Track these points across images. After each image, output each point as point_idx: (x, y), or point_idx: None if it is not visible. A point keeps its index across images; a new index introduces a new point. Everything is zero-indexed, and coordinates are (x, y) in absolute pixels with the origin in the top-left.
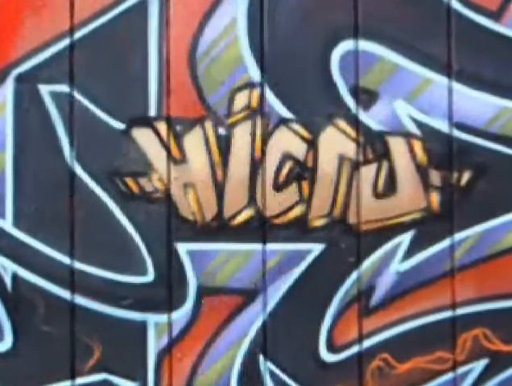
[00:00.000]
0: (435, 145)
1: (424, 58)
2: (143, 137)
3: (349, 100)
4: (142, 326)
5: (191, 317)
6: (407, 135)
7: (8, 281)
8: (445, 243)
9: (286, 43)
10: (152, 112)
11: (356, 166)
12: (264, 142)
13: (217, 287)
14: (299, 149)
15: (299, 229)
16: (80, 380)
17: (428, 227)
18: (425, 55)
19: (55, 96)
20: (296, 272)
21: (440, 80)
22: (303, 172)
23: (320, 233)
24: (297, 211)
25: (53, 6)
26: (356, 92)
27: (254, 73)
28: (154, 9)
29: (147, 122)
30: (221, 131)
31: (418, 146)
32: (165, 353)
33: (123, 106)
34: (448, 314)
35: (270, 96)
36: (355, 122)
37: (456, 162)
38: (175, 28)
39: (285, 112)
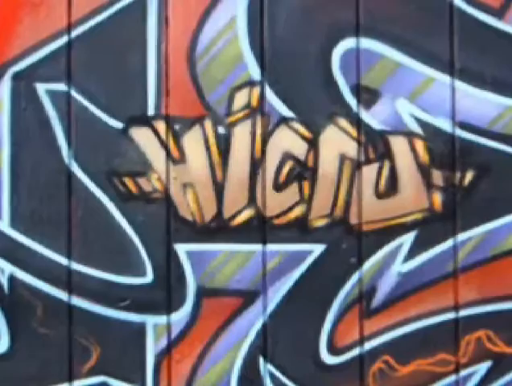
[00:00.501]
0: (437, 145)
1: (426, 56)
2: (142, 136)
3: (351, 99)
4: (140, 328)
5: (190, 318)
6: (409, 134)
7: (5, 282)
8: (448, 243)
9: (286, 41)
10: (151, 111)
11: (357, 165)
12: (264, 142)
13: (217, 288)
14: (299, 148)
15: (300, 230)
16: (77, 383)
17: (431, 228)
18: (427, 53)
19: (53, 94)
20: (297, 273)
21: (443, 78)
22: (303, 172)
23: (320, 234)
24: (297, 211)
25: (50, 3)
26: (357, 90)
27: (254, 71)
28: (153, 6)
29: (146, 121)
30: (221, 130)
31: (420, 146)
32: (164, 355)
33: (121, 105)
34: (450, 315)
35: (271, 95)
36: (356, 121)
37: (459, 161)
38: (174, 26)
39: (285, 111)
